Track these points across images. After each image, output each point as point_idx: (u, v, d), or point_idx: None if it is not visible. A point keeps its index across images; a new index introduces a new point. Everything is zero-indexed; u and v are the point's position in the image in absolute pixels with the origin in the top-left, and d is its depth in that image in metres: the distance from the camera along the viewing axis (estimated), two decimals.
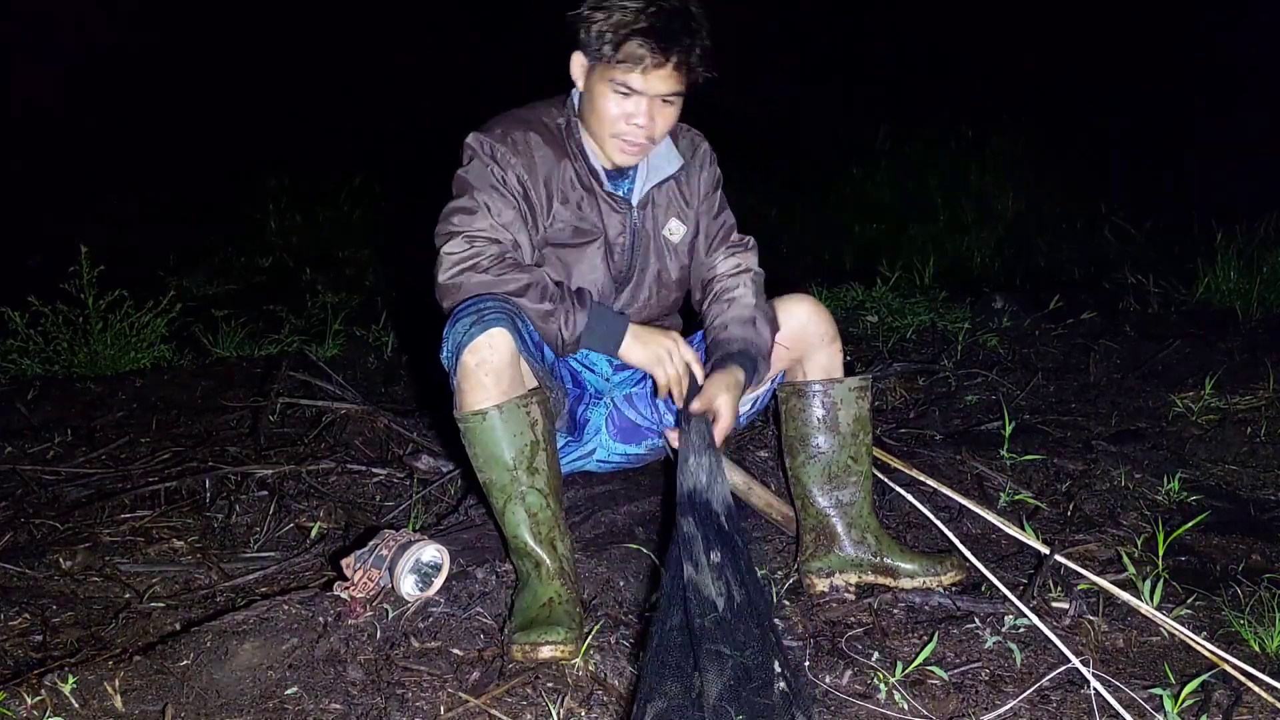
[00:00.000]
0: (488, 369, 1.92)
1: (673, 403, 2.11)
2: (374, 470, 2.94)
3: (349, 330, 5.28)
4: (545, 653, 1.86)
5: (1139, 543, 2.46)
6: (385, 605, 2.01)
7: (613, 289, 2.24)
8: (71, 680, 1.76)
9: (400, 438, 3.17)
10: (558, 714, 1.73)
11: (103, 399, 4.30)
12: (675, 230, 2.28)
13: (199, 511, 2.79)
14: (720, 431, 2.03)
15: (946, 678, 1.88)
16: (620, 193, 2.21)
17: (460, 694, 1.79)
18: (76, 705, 1.73)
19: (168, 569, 2.48)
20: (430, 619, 2.00)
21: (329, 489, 2.86)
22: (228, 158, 9.21)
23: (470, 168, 2.10)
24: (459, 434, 2.02)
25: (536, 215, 2.13)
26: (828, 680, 1.90)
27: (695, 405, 2.03)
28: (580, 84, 2.12)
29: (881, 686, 1.86)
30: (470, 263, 2.00)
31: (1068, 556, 2.31)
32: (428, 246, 2.11)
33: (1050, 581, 2.22)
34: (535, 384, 2.03)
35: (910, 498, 2.43)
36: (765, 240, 2.44)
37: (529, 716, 1.75)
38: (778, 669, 1.63)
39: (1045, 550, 2.22)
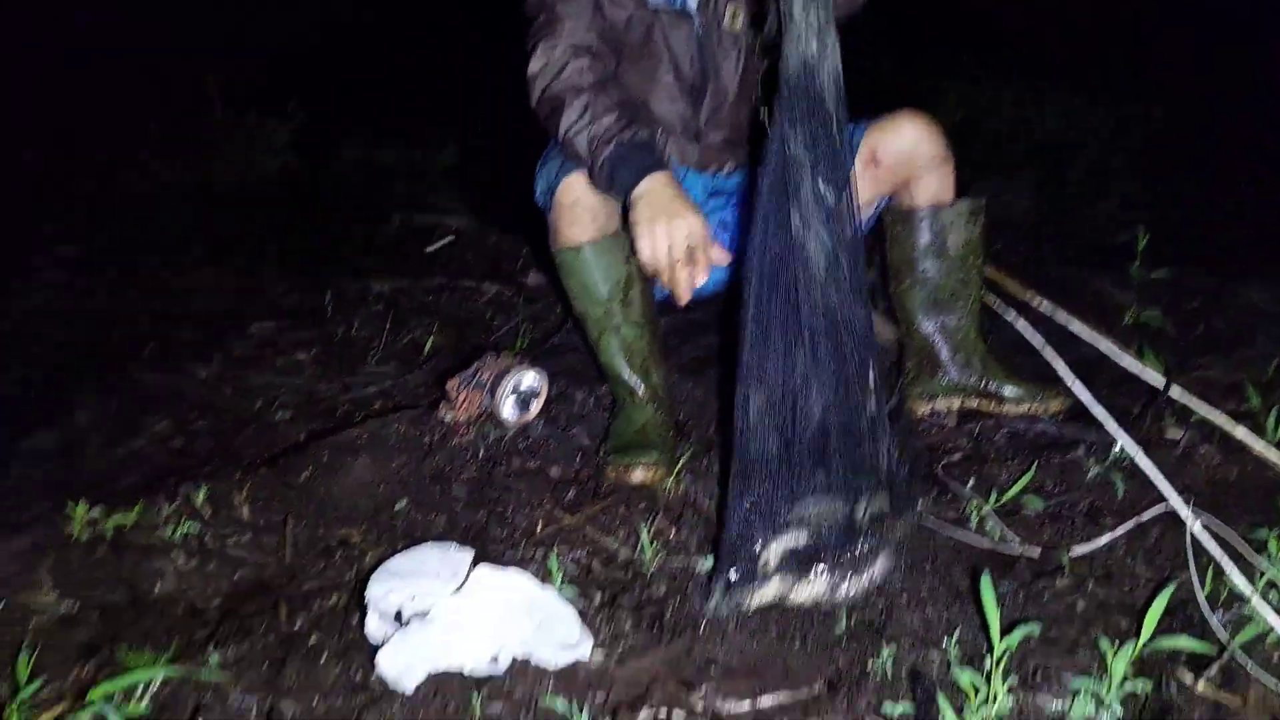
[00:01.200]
0: (582, 207, 1.92)
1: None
2: (484, 287, 3.00)
3: (465, 140, 5.28)
4: (638, 475, 1.92)
5: (1270, 369, 2.34)
6: (487, 426, 2.08)
7: (690, 106, 2.14)
8: (204, 490, 1.90)
9: (510, 253, 3.21)
10: (648, 533, 1.79)
11: (235, 207, 4.47)
12: (735, 17, 2.10)
13: (321, 324, 2.90)
14: None
15: (1042, 507, 1.86)
16: (676, 6, 2.07)
17: (556, 511, 1.87)
18: (207, 514, 1.87)
19: (293, 380, 2.61)
20: (530, 440, 2.07)
21: (441, 305, 2.94)
22: None
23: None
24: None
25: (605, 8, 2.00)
26: (920, 506, 1.90)
27: None
28: None
29: (974, 515, 1.86)
30: (545, 87, 1.94)
31: (1187, 382, 2.21)
32: None
33: (1165, 410, 2.14)
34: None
35: (1019, 321, 2.34)
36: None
37: (620, 534, 1.82)
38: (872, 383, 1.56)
39: (1159, 381, 2.13)
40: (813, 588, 1.59)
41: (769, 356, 1.48)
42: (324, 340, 2.81)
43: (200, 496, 1.89)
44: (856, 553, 1.60)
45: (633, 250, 1.93)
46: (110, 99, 6.31)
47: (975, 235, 2.15)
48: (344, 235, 3.79)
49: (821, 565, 1.57)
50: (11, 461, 2.22)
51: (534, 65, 1.94)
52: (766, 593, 1.58)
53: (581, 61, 1.94)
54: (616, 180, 1.84)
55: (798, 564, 1.57)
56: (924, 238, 2.14)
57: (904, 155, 2.10)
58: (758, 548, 1.55)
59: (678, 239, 1.75)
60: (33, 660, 1.46)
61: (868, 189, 2.15)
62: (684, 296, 1.77)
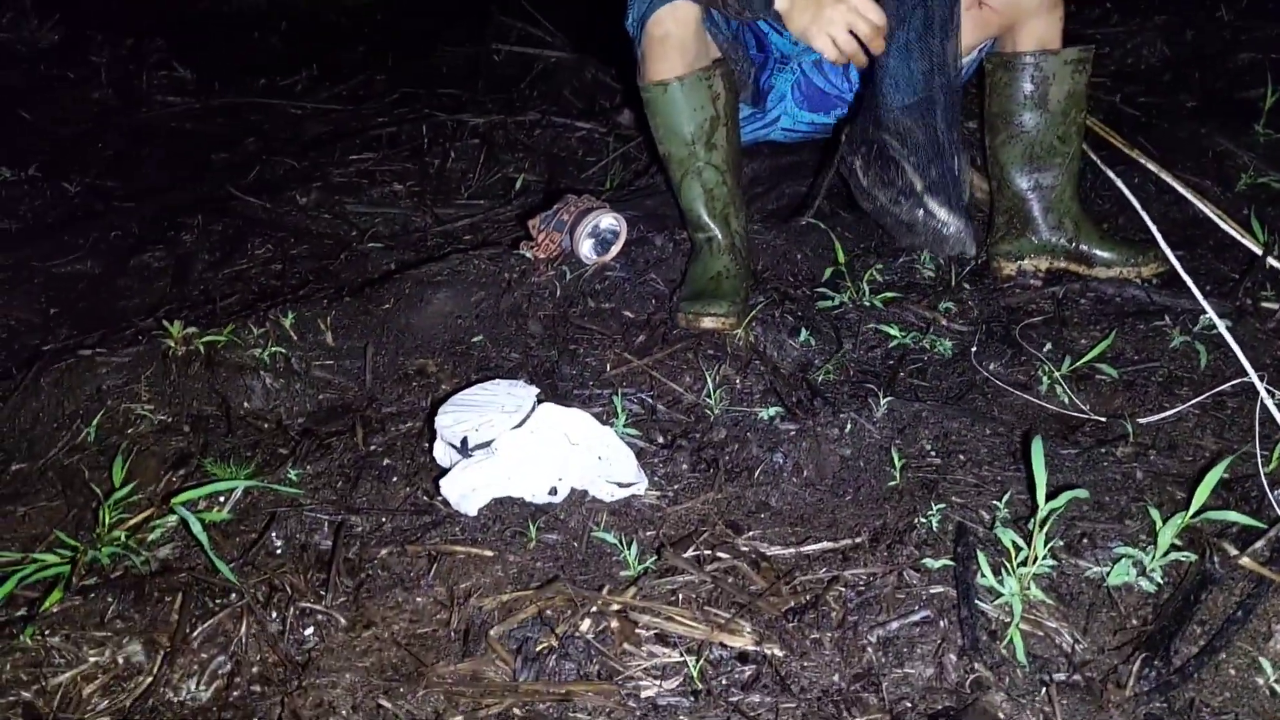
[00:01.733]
0: (672, 41, 1.87)
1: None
2: (578, 124, 2.98)
3: None
4: (707, 323, 1.93)
5: None
6: (565, 266, 2.11)
7: None
8: (291, 315, 1.99)
9: (608, 89, 3.17)
10: (712, 379, 1.82)
11: (347, 31, 4.50)
12: None
13: (418, 156, 2.95)
14: None
15: (1116, 375, 1.82)
16: None
17: (626, 354, 1.91)
18: (295, 337, 1.97)
19: (388, 210, 2.68)
20: (606, 281, 2.10)
21: (534, 141, 2.94)
22: None
23: None
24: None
25: None
26: (991, 367, 1.88)
27: None
28: None
29: (1044, 379, 1.83)
30: None
31: None
32: None
33: (1266, 280, 2.05)
34: (719, 55, 1.95)
35: (1117, 179, 2.23)
36: None
37: (687, 379, 1.86)
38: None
39: (1258, 249, 2.03)
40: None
41: None
42: (419, 172, 2.86)
43: (289, 320, 1.98)
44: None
45: (725, 86, 1.90)
46: None
47: (1080, 87, 2.04)
48: (447, 64, 3.78)
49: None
50: (120, 278, 2.35)
51: None
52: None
53: None
54: None
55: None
56: (1026, 86, 2.04)
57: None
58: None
59: (853, 20, 1.79)
60: (127, 465, 1.59)
61: (973, 31, 2.05)
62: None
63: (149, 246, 2.48)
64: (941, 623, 1.31)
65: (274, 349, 1.91)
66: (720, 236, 2.02)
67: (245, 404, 1.82)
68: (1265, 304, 1.99)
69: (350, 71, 3.83)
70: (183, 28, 4.49)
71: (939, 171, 2.10)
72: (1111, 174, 2.27)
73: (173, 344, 1.87)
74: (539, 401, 1.63)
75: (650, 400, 1.81)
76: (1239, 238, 2.07)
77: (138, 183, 2.90)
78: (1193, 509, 1.35)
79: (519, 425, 1.58)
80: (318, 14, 4.80)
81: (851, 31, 1.80)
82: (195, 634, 1.34)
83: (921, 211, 2.13)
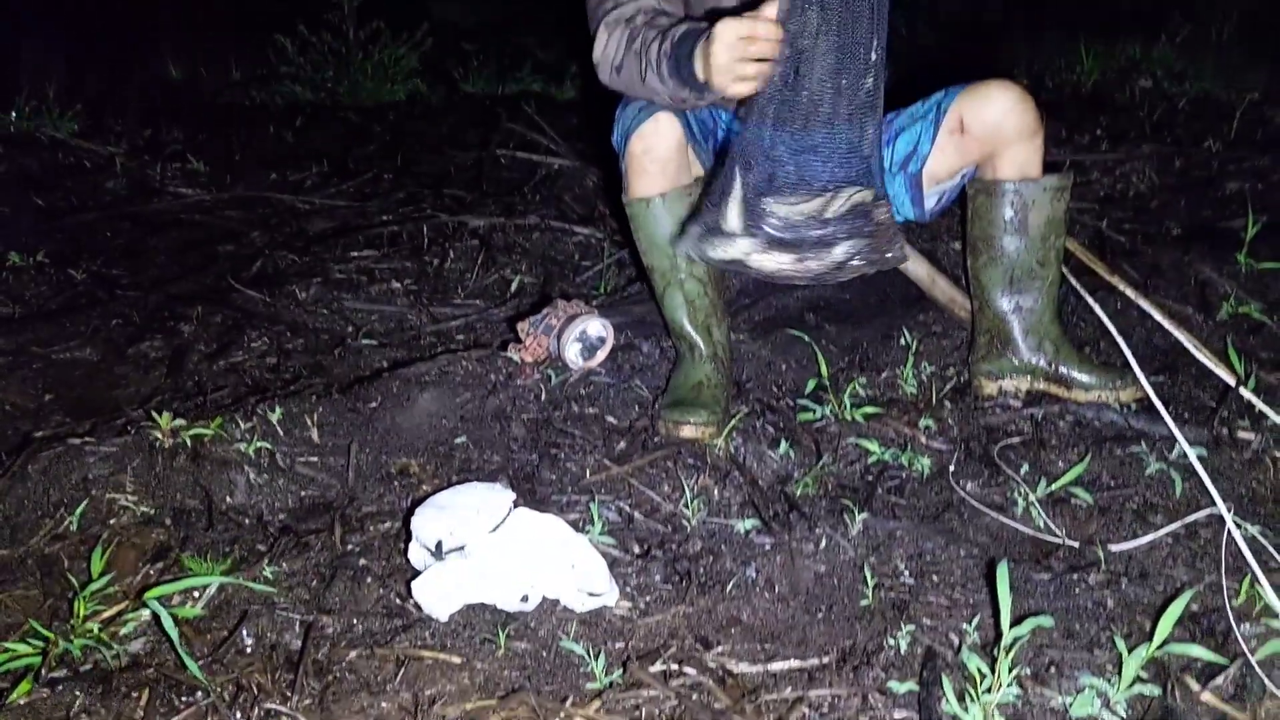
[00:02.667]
0: (653, 156, 1.94)
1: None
2: (575, 229, 3.05)
3: (589, 70, 5.30)
4: (687, 432, 1.96)
5: None
6: (551, 370, 2.15)
7: None
8: (279, 410, 2.02)
9: (606, 195, 3.25)
10: (691, 489, 1.84)
11: (359, 130, 4.61)
12: None
13: (418, 255, 3.01)
14: None
15: (1091, 500, 1.84)
16: None
17: (606, 460, 1.94)
18: (281, 433, 2.00)
19: (385, 308, 2.72)
20: (591, 386, 2.13)
21: (532, 244, 3.01)
22: None
23: None
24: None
25: None
26: (968, 487, 1.90)
27: None
28: None
29: (1020, 501, 1.85)
30: (608, 52, 1.94)
31: (1276, 381, 2.14)
32: None
33: (1243, 409, 2.07)
34: (701, 172, 2.02)
35: (1096, 305, 2.28)
36: None
37: (665, 488, 1.88)
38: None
39: (1232, 380, 2.06)
40: (776, 259, 1.63)
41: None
42: (418, 271, 2.92)
43: (276, 415, 2.01)
44: (826, 237, 1.61)
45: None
46: (250, 12, 6.55)
47: (1059, 213, 2.10)
48: (453, 166, 3.88)
49: (786, 243, 1.61)
50: (118, 366, 2.39)
51: (598, 49, 1.94)
52: (730, 250, 1.63)
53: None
54: (680, 56, 1.77)
55: (766, 239, 1.61)
56: (1006, 212, 2.10)
57: (992, 126, 2.05)
58: (725, 206, 1.60)
59: (745, 48, 1.64)
60: (106, 557, 1.61)
61: (954, 158, 2.11)
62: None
63: (148, 336, 2.52)
64: None
65: (260, 444, 1.93)
66: (702, 346, 2.06)
67: (228, 498, 1.84)
68: (1241, 434, 2.01)
69: (359, 169, 3.93)
70: (201, 120, 4.62)
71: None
72: (1090, 300, 2.31)
73: (160, 436, 1.89)
74: (515, 506, 1.65)
75: (628, 508, 1.82)
76: (1213, 368, 2.10)
77: (143, 272, 2.96)
78: (1156, 641, 1.35)
79: (494, 530, 1.59)
80: (333, 112, 4.94)
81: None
82: None
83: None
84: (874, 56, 1.56)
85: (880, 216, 1.65)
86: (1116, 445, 2.01)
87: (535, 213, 3.18)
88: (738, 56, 1.63)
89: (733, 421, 2.01)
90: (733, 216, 1.63)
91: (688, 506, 1.81)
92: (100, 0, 6.72)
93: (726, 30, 1.63)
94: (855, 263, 1.65)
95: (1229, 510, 1.65)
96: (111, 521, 1.75)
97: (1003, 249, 2.12)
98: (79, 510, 1.76)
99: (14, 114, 4.25)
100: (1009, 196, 2.09)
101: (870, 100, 1.59)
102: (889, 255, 1.67)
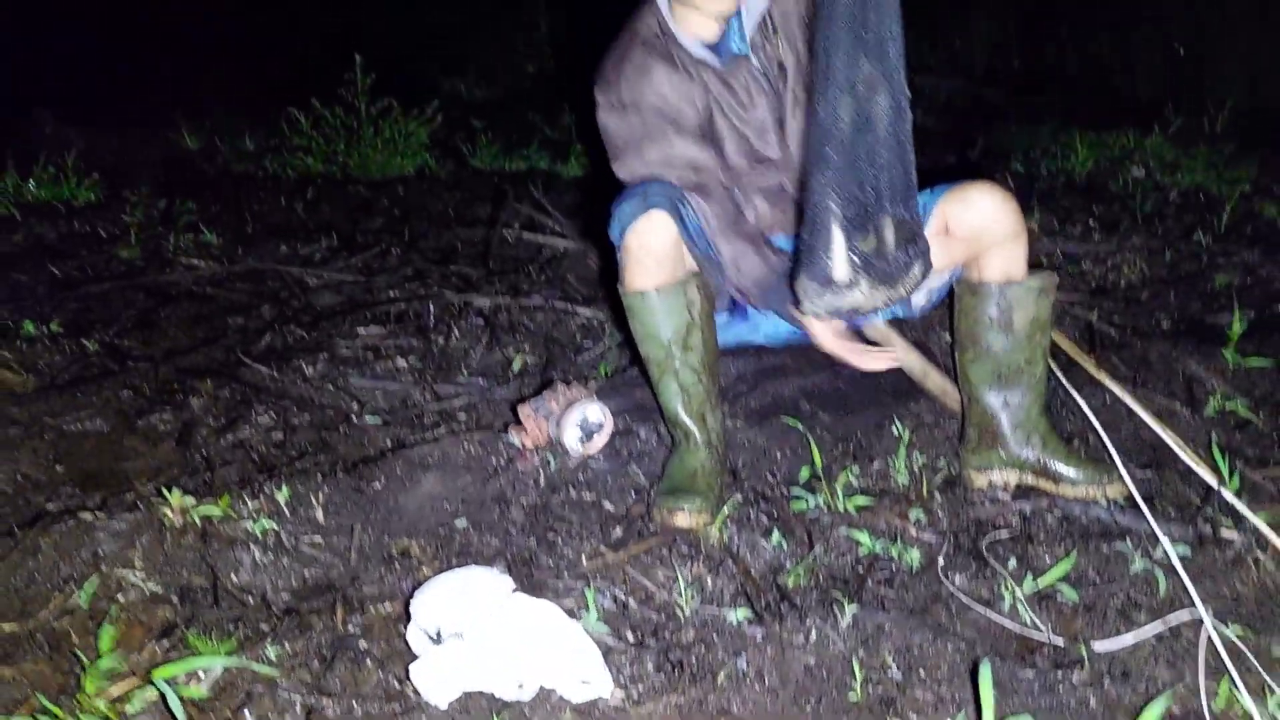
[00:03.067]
0: (648, 251, 2.02)
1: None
2: (578, 310, 3.13)
3: (593, 148, 5.43)
4: (681, 520, 2.01)
5: None
6: (551, 454, 2.20)
7: (777, 130, 2.24)
8: (285, 490, 2.08)
9: (608, 277, 3.32)
10: (685, 577, 1.88)
11: (368, 203, 4.72)
12: (787, 54, 2.21)
13: (423, 333, 3.08)
14: None
15: (1077, 597, 1.88)
16: (734, 50, 2.17)
17: (602, 547, 1.98)
18: (287, 512, 2.05)
19: (389, 385, 2.78)
20: (590, 472, 2.18)
21: (536, 324, 3.08)
22: None
23: (609, 126, 2.17)
24: None
25: (686, 120, 2.17)
26: (957, 580, 1.94)
27: None
28: None
29: (1007, 596, 1.89)
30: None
31: (1260, 481, 2.19)
32: None
33: (1227, 508, 2.12)
34: (695, 266, 2.10)
35: (1082, 401, 2.34)
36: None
37: (660, 575, 1.92)
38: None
39: (1214, 481, 2.11)
40: (885, 295, 1.78)
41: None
42: (423, 349, 2.99)
43: (283, 495, 2.06)
44: (907, 260, 1.78)
45: (701, 295, 2.05)
46: (262, 83, 6.73)
47: (1043, 313, 2.17)
48: (460, 242, 3.97)
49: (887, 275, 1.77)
50: (127, 439, 2.45)
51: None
52: (849, 299, 1.77)
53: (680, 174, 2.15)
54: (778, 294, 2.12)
55: (869, 281, 1.76)
56: (991, 312, 2.17)
57: (976, 229, 2.12)
58: (830, 260, 1.73)
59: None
60: (114, 632, 1.65)
61: (940, 258, 2.18)
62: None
63: (158, 408, 2.58)
64: None
65: (266, 523, 1.98)
66: (697, 433, 2.12)
67: (233, 577, 1.89)
68: (1225, 532, 2.06)
69: (367, 242, 4.03)
70: (215, 190, 4.74)
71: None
72: (1077, 396, 2.37)
73: (170, 513, 1.94)
74: (513, 592, 1.69)
75: (623, 596, 1.87)
76: (1194, 468, 2.15)
77: (155, 344, 3.03)
78: None
79: (492, 616, 1.63)
80: (343, 184, 5.06)
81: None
82: None
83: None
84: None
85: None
86: (1102, 541, 2.05)
87: (539, 292, 3.26)
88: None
89: (726, 510, 2.05)
90: (840, 268, 1.74)
91: (681, 595, 1.85)
92: (120, 70, 6.92)
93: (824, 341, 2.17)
94: (917, 271, 1.82)
95: (1208, 612, 1.69)
96: (120, 597, 1.79)
97: (989, 347, 2.19)
98: (88, 585, 1.80)
99: (32, 182, 4.35)
100: (994, 298, 2.16)
101: (908, 126, 1.71)
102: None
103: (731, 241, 2.14)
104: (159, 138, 5.73)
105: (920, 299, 2.26)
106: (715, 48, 2.19)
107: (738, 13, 2.16)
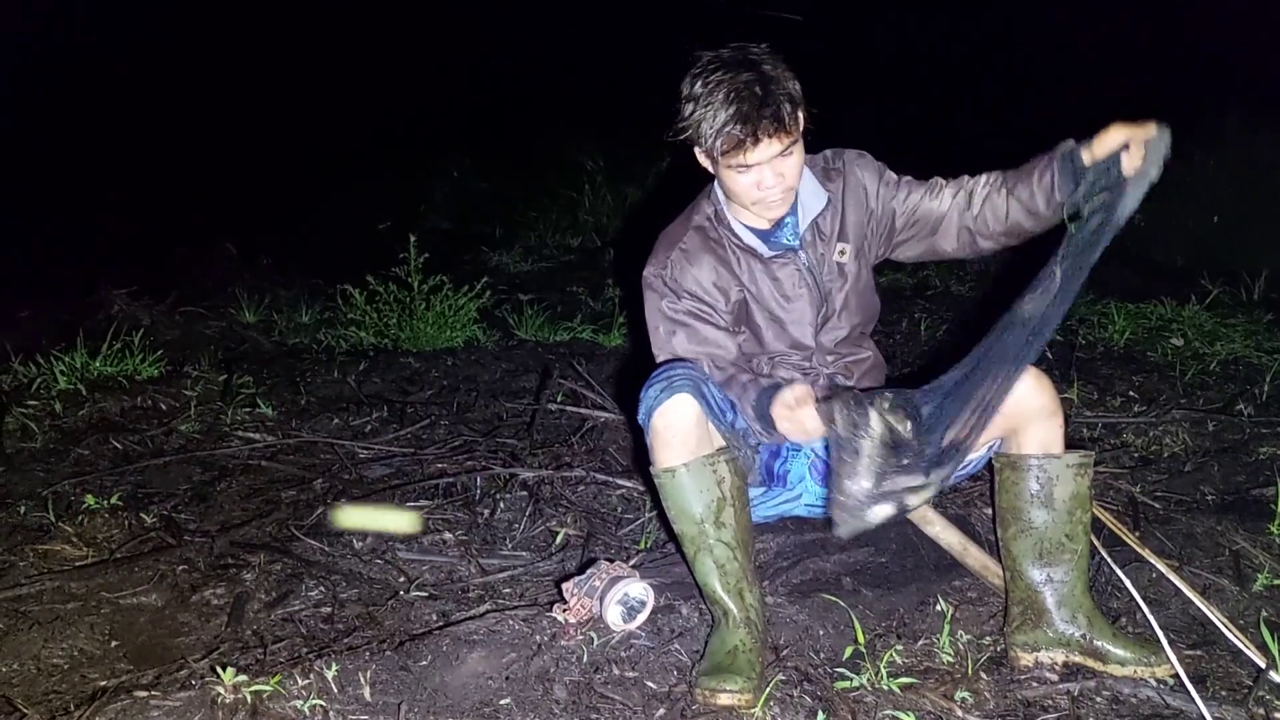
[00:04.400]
0: (674, 431, 2.12)
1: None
2: (618, 482, 3.19)
3: (636, 320, 5.58)
4: (723, 699, 2.01)
5: None
6: (594, 632, 2.23)
7: (815, 324, 2.41)
8: (334, 668, 2.11)
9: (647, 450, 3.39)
10: None
11: (419, 374, 4.86)
12: (844, 252, 2.38)
13: (469, 506, 3.14)
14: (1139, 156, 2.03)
15: None
16: (784, 242, 2.34)
17: None
18: (335, 690, 2.08)
19: (436, 559, 2.83)
20: (632, 649, 2.20)
21: (578, 497, 3.14)
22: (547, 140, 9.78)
23: (651, 305, 2.38)
24: None
25: (720, 311, 2.34)
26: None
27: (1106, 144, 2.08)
28: (712, 170, 2.25)
29: None
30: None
31: None
32: None
33: (1276, 689, 2.08)
34: (722, 442, 2.18)
35: (1126, 579, 2.33)
36: None
37: None
38: None
39: (1262, 661, 2.08)
40: (916, 498, 1.91)
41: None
42: (469, 522, 3.04)
43: (331, 673, 2.09)
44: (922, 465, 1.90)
45: (730, 470, 2.13)
46: (319, 260, 7.04)
47: (1083, 489, 2.20)
48: (506, 413, 4.08)
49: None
50: (181, 614, 2.50)
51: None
52: (880, 511, 1.87)
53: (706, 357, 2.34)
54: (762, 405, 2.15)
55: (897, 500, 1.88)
56: (1032, 486, 2.20)
57: (1012, 405, 2.13)
58: (856, 482, 1.85)
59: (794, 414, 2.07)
60: None
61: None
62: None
63: (211, 583, 2.64)
64: None
65: (315, 701, 2.01)
66: (735, 611, 2.14)
67: None
68: (1278, 715, 2.02)
69: (417, 415, 4.13)
70: (271, 365, 4.91)
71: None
72: (1121, 574, 2.37)
73: (223, 691, 1.98)
74: None
75: None
76: (1243, 648, 2.13)
77: (210, 517, 3.11)
78: None
79: None
80: (394, 356, 5.22)
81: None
82: None
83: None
84: None
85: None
86: None
87: (581, 465, 3.33)
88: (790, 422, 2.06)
89: (768, 689, 2.05)
90: (865, 486, 1.85)
91: None
92: (184, 250, 7.29)
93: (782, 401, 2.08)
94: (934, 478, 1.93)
95: None
96: None
97: (1030, 522, 2.21)
98: None
99: (99, 360, 4.55)
100: (1034, 471, 2.20)
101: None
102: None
103: (741, 393, 2.24)
104: (220, 313, 5.97)
105: (961, 472, 2.31)
106: (767, 236, 2.34)
107: (794, 209, 2.32)
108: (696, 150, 2.21)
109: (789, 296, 2.38)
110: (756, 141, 2.09)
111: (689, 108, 2.13)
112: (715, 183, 2.34)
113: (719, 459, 2.18)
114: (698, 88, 2.11)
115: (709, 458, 2.17)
